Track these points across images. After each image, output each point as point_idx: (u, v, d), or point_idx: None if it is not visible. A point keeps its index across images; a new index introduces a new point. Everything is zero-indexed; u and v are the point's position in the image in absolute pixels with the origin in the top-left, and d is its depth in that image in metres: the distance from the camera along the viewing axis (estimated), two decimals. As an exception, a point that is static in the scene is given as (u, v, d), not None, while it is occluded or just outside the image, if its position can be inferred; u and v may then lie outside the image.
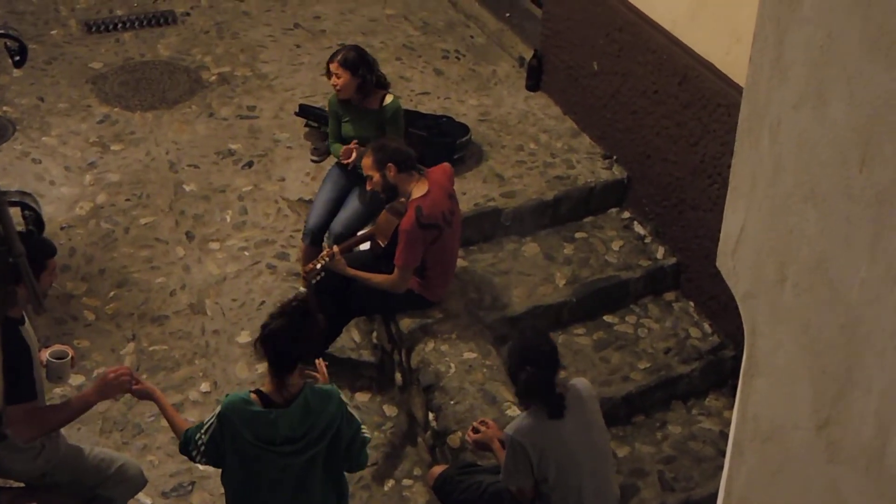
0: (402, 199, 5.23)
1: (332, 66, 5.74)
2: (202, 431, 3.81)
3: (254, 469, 3.81)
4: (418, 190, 5.19)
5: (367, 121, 5.78)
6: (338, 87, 5.76)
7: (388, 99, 5.79)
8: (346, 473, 4.06)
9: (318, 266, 5.26)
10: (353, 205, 5.84)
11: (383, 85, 5.86)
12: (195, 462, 3.94)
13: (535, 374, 4.12)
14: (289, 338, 3.70)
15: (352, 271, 5.28)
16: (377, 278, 5.29)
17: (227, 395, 3.84)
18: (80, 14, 8.38)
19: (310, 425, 3.75)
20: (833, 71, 1.77)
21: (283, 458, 3.75)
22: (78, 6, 8.48)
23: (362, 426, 3.92)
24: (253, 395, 3.75)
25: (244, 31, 8.21)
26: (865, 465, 1.89)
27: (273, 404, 3.73)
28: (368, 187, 5.30)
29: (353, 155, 5.70)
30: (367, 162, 5.22)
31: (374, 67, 5.81)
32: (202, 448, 3.82)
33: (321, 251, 5.84)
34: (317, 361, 4.05)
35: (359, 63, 5.71)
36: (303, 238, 5.99)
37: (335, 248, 5.29)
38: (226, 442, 3.78)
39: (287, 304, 3.84)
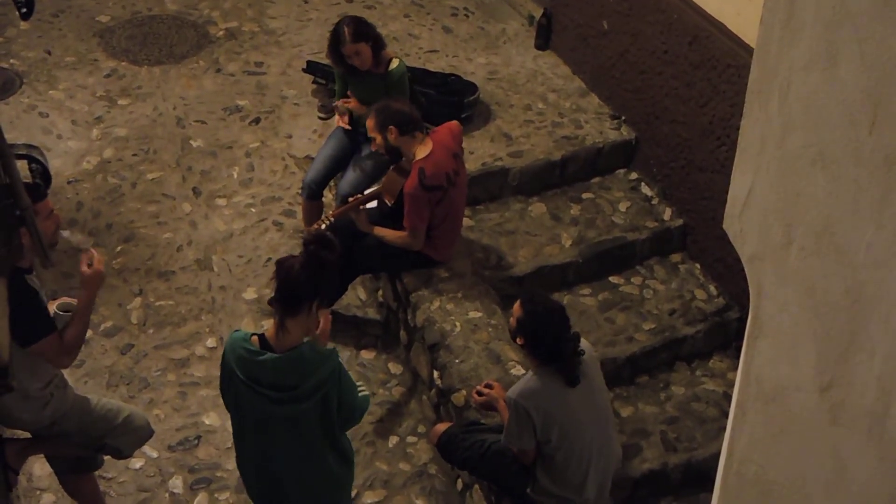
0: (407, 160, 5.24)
1: (350, 49, 5.54)
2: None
3: (243, 408, 3.88)
4: (421, 151, 5.17)
5: (372, 84, 5.72)
6: (365, 65, 5.61)
7: (395, 63, 5.69)
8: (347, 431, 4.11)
9: (323, 227, 5.25)
10: (359, 165, 5.81)
11: (383, 44, 5.79)
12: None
13: (562, 336, 4.13)
14: (301, 271, 3.71)
15: (371, 227, 5.29)
16: (392, 234, 5.30)
17: (235, 331, 3.90)
18: (87, -33, 8.34)
19: (299, 381, 3.77)
20: (844, 32, 1.76)
21: (267, 403, 3.79)
22: (85, -41, 8.44)
23: (359, 384, 3.98)
24: (253, 338, 3.80)
25: (252, -15, 8.16)
26: (867, 428, 1.89)
27: (270, 350, 3.77)
28: (373, 148, 5.31)
29: (344, 106, 5.70)
30: (369, 123, 5.21)
31: (372, 26, 5.75)
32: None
33: (321, 207, 5.84)
34: (324, 314, 3.97)
35: (363, 29, 5.61)
36: (300, 192, 5.98)
37: (353, 199, 5.29)
38: (223, 377, 3.90)
39: (310, 239, 3.85)
